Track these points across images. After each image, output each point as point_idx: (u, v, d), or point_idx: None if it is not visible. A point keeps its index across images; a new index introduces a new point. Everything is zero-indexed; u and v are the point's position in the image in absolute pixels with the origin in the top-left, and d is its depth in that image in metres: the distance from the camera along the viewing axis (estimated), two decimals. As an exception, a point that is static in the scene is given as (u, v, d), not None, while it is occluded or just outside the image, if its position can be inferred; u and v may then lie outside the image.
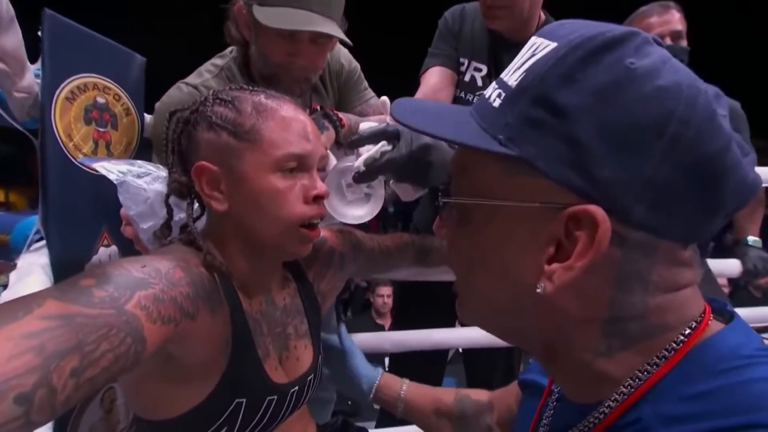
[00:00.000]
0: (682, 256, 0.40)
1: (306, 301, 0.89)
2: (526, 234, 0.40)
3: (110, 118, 1.14)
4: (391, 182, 0.98)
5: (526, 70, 0.39)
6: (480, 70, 1.48)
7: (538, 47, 0.40)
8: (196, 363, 0.69)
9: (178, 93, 1.13)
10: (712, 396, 0.36)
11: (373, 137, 0.89)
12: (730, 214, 0.40)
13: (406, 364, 1.52)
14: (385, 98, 0.98)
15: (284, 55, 1.08)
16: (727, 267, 1.58)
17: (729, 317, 0.43)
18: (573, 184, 0.37)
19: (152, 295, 0.58)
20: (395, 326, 1.85)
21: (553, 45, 0.39)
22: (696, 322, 0.40)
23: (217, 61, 1.22)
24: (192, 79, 1.16)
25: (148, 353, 0.56)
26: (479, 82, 1.48)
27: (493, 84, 0.44)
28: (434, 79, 1.49)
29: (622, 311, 0.40)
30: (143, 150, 1.22)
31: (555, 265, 0.39)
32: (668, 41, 1.55)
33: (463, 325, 1.63)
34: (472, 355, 1.80)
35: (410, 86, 1.54)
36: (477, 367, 1.80)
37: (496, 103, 0.41)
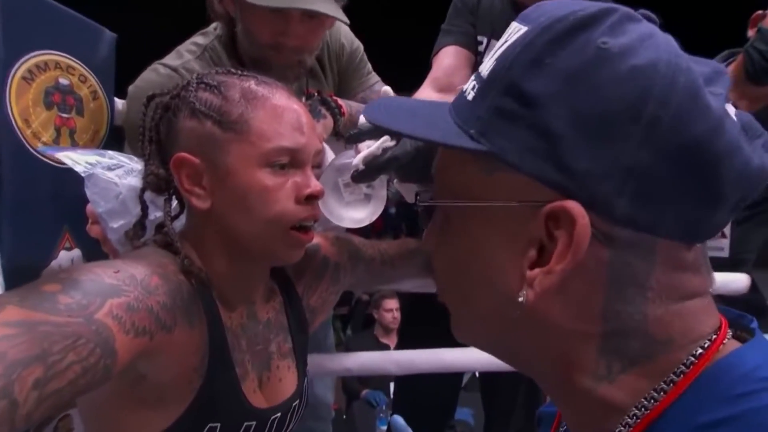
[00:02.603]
0: (686, 258, 0.40)
1: (292, 318, 0.90)
2: (506, 237, 0.41)
3: (75, 102, 1.15)
4: (394, 182, 0.98)
5: (497, 59, 0.41)
6: None
7: (511, 33, 0.42)
8: (167, 381, 0.70)
9: (154, 76, 1.13)
10: (725, 425, 0.36)
11: (374, 131, 0.88)
12: (736, 206, 0.40)
13: (414, 390, 1.52)
14: (387, 88, 0.98)
15: (273, 35, 1.07)
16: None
17: (750, 334, 0.43)
18: (548, 178, 0.38)
19: (125, 304, 0.59)
20: (402, 345, 1.84)
21: (525, 29, 0.40)
22: (709, 340, 0.41)
23: (198, 39, 1.22)
24: (170, 60, 1.17)
25: (119, 367, 0.57)
26: (500, 64, 1.48)
27: (472, 76, 0.46)
28: (448, 61, 1.49)
29: (619, 324, 0.40)
30: (113, 140, 1.22)
31: (536, 270, 0.40)
32: None
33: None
34: (490, 380, 1.79)
35: (420, 71, 1.54)
36: (496, 395, 1.79)
37: (470, 96, 0.43)
